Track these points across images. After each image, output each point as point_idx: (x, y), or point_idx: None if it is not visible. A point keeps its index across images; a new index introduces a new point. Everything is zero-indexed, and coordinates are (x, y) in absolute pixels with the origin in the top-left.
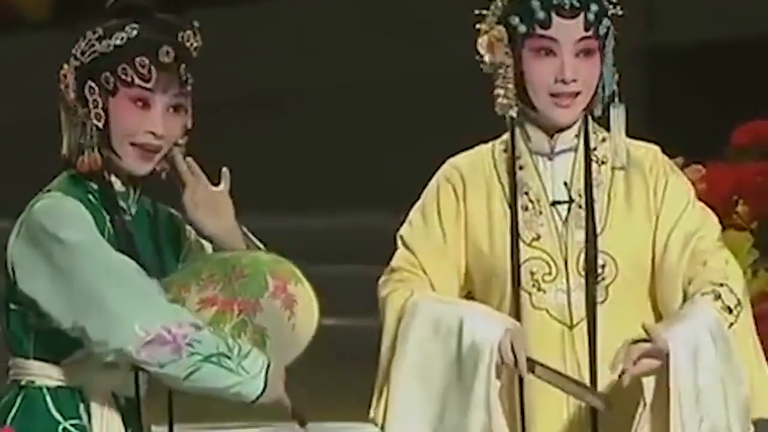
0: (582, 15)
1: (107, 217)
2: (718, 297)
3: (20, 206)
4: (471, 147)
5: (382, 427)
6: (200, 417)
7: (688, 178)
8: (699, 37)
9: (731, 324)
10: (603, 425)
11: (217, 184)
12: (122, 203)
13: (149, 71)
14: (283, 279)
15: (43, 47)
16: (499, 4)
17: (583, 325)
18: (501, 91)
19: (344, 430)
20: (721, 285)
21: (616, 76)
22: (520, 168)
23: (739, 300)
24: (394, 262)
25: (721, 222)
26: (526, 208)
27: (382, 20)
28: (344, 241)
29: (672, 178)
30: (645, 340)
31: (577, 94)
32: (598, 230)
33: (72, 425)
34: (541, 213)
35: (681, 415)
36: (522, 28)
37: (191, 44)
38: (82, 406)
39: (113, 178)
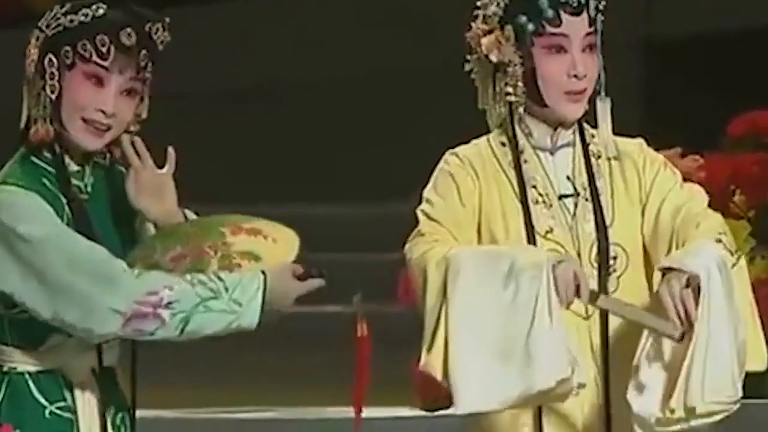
0: (586, 11)
1: (64, 201)
2: (720, 241)
3: None
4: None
5: (444, 373)
6: (201, 404)
7: (686, 168)
8: (697, 30)
9: (733, 265)
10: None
11: (162, 167)
12: (78, 183)
13: (108, 50)
14: (236, 224)
15: None
16: (501, 3)
17: (597, 315)
18: (510, 89)
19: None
20: (720, 233)
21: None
22: (525, 162)
23: (737, 249)
24: (422, 228)
25: (717, 211)
26: (537, 202)
27: (382, 16)
28: (347, 230)
29: (660, 164)
30: (669, 269)
31: (585, 89)
32: (607, 222)
33: (58, 408)
34: (551, 206)
35: (697, 340)
36: (531, 27)
37: (158, 37)
38: (65, 388)
39: (67, 159)
